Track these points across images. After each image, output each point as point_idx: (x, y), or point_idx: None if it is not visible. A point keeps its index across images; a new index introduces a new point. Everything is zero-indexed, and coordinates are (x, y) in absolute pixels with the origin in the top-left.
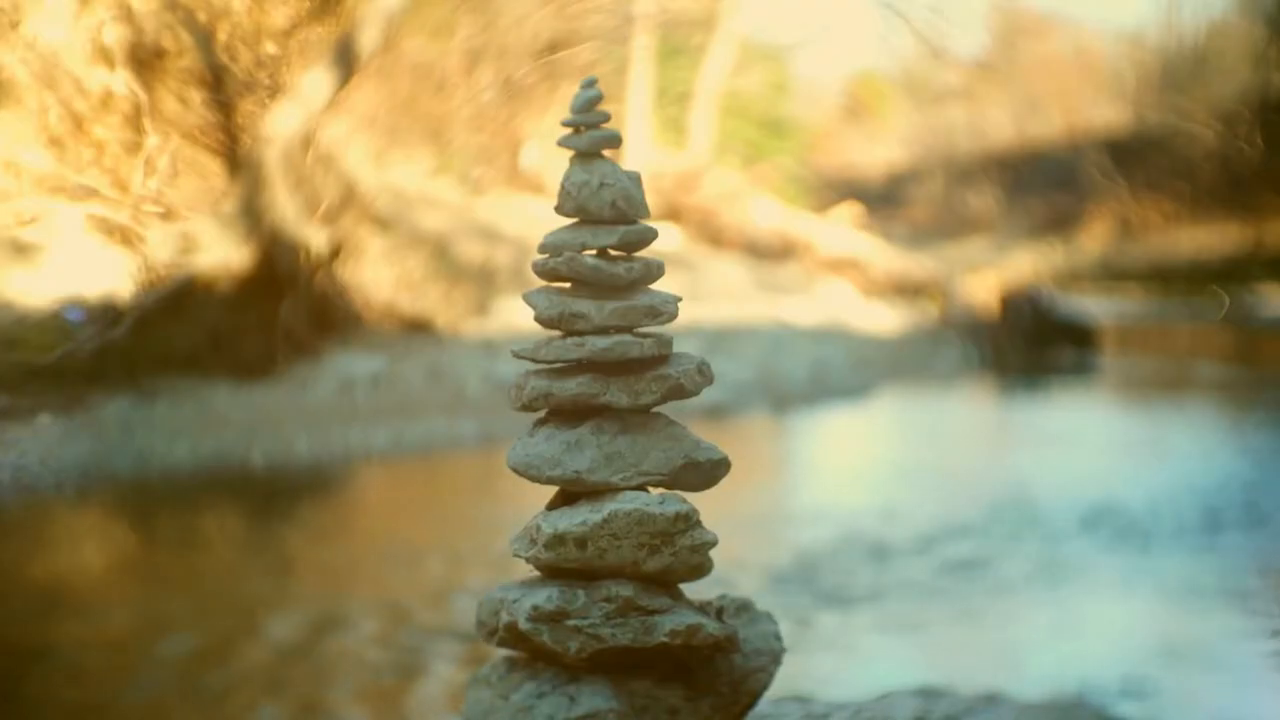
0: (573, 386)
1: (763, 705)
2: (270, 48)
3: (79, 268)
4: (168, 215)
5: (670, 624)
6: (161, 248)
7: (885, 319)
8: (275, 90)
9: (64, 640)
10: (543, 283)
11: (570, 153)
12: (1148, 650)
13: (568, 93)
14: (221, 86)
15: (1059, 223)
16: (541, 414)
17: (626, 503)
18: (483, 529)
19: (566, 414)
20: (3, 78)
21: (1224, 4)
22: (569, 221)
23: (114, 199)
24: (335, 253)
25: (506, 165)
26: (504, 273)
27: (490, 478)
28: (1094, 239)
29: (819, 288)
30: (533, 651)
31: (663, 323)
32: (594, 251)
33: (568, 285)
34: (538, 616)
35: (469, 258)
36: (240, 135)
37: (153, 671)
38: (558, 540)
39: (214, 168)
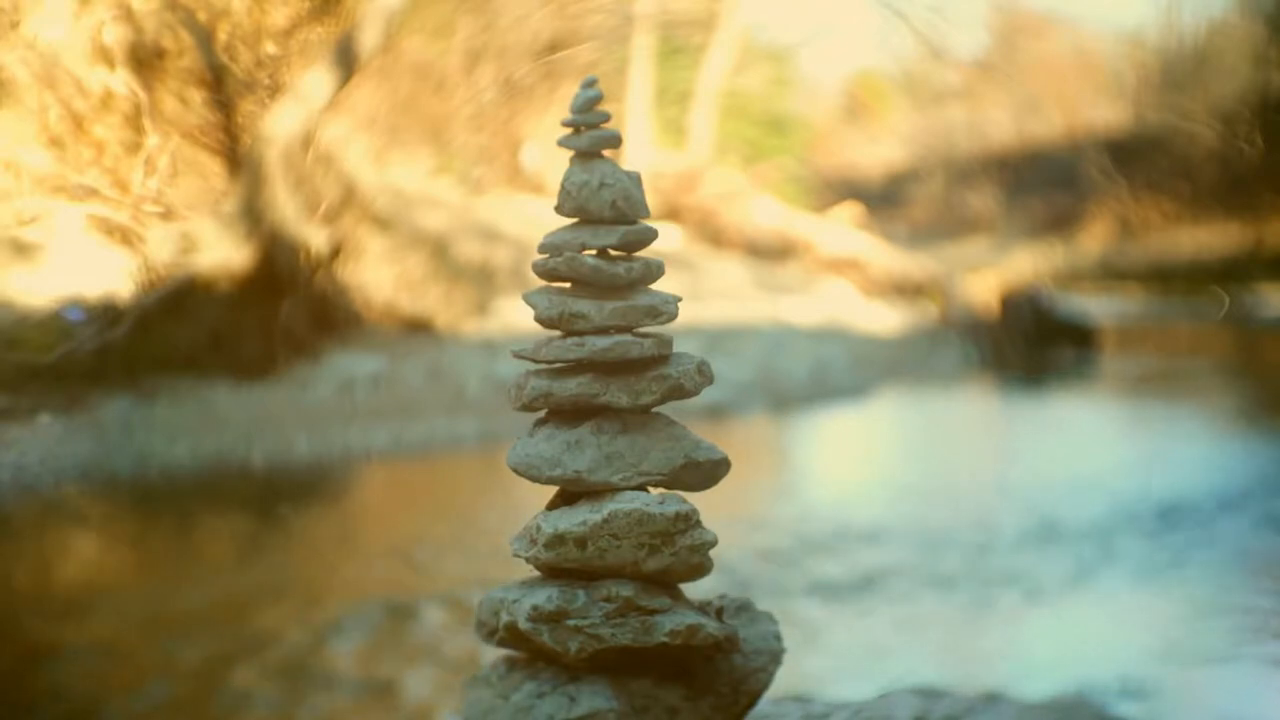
0: (573, 386)
1: (763, 705)
2: (270, 48)
3: (79, 268)
4: (168, 215)
5: (670, 624)
6: (161, 248)
7: (885, 319)
8: (275, 90)
9: (64, 641)
10: (543, 283)
11: (570, 153)
12: (1148, 650)
13: (568, 93)
14: (221, 86)
15: (1059, 223)
16: (541, 414)
17: (626, 503)
18: (482, 529)
19: (566, 414)
20: (3, 78)
21: (1224, 4)
22: (569, 221)
23: (114, 199)
24: (335, 253)
25: (506, 165)
26: (504, 273)
27: (490, 478)
28: (1094, 239)
29: (819, 288)
30: (533, 651)
31: (663, 323)
32: (594, 251)
33: (568, 285)
34: (538, 616)
35: (469, 258)
36: (240, 135)
37: (151, 672)
38: (558, 540)
39: (214, 168)
